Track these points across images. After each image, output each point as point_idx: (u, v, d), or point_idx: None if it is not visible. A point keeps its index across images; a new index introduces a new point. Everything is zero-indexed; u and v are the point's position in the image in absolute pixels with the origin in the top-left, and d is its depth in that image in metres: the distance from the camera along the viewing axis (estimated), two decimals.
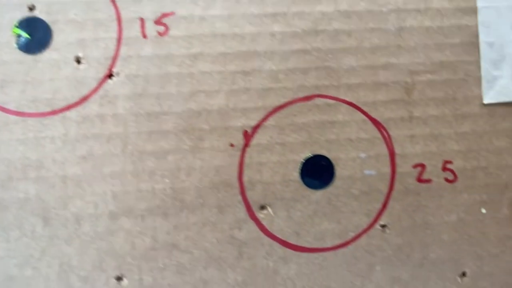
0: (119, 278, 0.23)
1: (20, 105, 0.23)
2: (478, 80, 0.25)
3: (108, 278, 0.23)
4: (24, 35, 0.22)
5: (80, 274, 0.23)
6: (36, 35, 0.22)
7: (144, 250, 0.23)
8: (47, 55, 0.23)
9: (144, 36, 0.23)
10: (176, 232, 0.23)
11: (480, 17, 0.25)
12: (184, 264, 0.23)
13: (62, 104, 0.23)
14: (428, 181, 0.25)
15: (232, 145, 0.24)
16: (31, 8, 0.22)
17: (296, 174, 0.24)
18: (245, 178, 0.24)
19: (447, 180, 0.25)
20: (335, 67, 0.24)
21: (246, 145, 0.24)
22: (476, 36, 0.25)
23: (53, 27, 0.23)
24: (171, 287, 0.23)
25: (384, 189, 0.25)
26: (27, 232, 0.22)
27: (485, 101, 0.25)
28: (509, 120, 0.26)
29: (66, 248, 0.23)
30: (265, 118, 0.24)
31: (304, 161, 0.24)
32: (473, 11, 0.25)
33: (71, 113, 0.23)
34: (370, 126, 0.25)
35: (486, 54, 0.25)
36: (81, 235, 0.23)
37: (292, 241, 0.24)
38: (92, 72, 0.23)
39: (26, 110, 0.23)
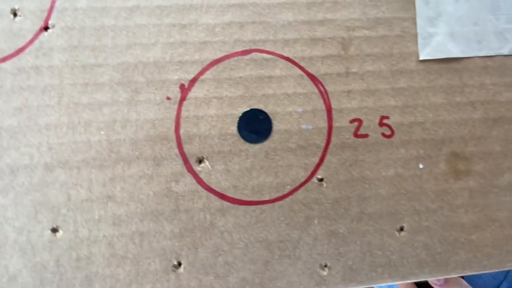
0: (54, 230, 0.23)
1: None
2: (414, 36, 0.26)
3: (43, 229, 0.23)
4: None
5: (15, 225, 0.23)
6: None
7: (80, 202, 0.24)
8: None
9: None
10: (112, 184, 0.24)
11: None
12: (120, 216, 0.24)
13: None
14: (365, 136, 0.26)
15: (168, 98, 0.24)
16: None
17: (233, 128, 0.25)
18: (182, 132, 0.24)
19: (384, 135, 0.26)
20: (272, 22, 0.25)
21: (182, 98, 0.24)
22: None
23: None
24: (107, 239, 0.24)
25: (321, 143, 0.25)
26: None
27: (421, 58, 0.26)
28: (446, 76, 0.27)
29: (1, 199, 0.23)
30: (202, 72, 0.25)
31: (241, 115, 0.25)
32: None
33: (7, 65, 0.23)
34: (307, 81, 0.25)
35: (422, 11, 0.26)
36: (16, 186, 0.23)
37: (230, 194, 0.25)
38: (27, 24, 0.24)
39: None
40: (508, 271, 0.46)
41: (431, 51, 0.26)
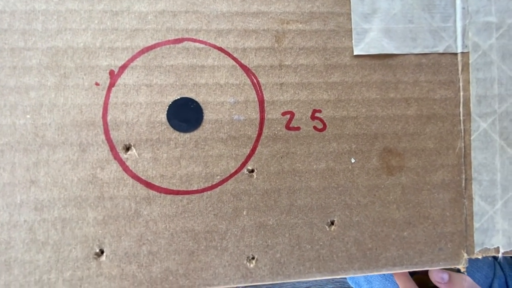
0: None
1: None
2: (349, 32, 0.30)
3: None
4: None
5: None
6: None
7: (1, 185, 0.26)
8: None
9: None
10: (35, 168, 0.27)
11: None
12: (42, 201, 0.27)
13: None
14: (297, 128, 0.29)
15: (97, 84, 0.28)
16: None
17: (163, 116, 0.28)
18: (110, 118, 0.28)
19: (316, 128, 0.29)
20: (205, 12, 0.29)
21: (111, 84, 0.28)
22: None
23: None
24: (28, 224, 0.26)
25: (253, 134, 0.29)
26: None
27: (355, 53, 0.30)
28: (380, 72, 0.30)
29: None
30: (132, 59, 0.28)
31: (171, 103, 0.28)
32: None
33: None
34: (240, 72, 0.29)
35: (356, 7, 0.30)
36: None
37: (156, 182, 0.28)
38: None
39: None
40: (495, 269, 0.49)
41: (365, 46, 0.30)
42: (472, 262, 0.49)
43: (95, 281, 0.26)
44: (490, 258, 0.50)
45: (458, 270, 0.32)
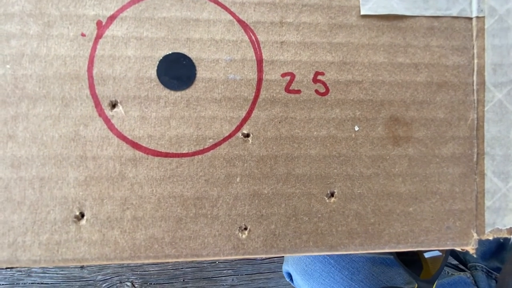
0: None
1: None
2: None
3: None
4: None
5: None
6: None
7: None
8: None
9: None
10: (14, 122, 0.29)
11: None
12: (20, 158, 0.29)
13: None
14: (297, 91, 0.32)
15: (83, 34, 0.30)
16: None
17: (152, 72, 0.30)
18: (95, 72, 0.30)
19: (318, 92, 0.32)
20: None
21: (99, 36, 0.30)
22: None
23: None
24: (3, 182, 0.28)
25: (249, 96, 0.31)
26: None
27: (363, 12, 0.32)
28: (388, 34, 0.33)
29: None
30: (122, 9, 0.30)
31: (162, 58, 0.30)
32: None
33: None
34: (237, 28, 0.31)
35: None
36: None
37: (144, 143, 0.30)
38: None
39: None
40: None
41: (373, 6, 0.32)
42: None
43: (73, 246, 0.28)
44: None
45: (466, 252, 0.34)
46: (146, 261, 0.27)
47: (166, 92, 0.28)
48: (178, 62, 0.28)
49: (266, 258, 1.14)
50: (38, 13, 0.27)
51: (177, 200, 0.28)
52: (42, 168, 0.27)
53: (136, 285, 1.08)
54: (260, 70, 0.29)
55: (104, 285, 1.07)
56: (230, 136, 0.29)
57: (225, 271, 1.11)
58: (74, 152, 0.27)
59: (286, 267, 0.65)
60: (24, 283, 1.06)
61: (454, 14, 0.31)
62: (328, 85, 0.30)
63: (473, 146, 0.31)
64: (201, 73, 0.28)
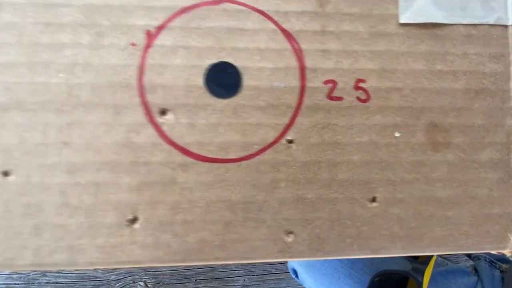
0: (5, 173, 0.30)
1: None
2: None
3: None
4: None
5: None
6: None
7: (34, 146, 0.31)
8: None
9: None
10: (69, 129, 0.31)
11: None
12: (75, 164, 0.31)
13: None
14: (339, 98, 0.34)
15: (133, 44, 0.32)
16: None
17: (200, 80, 0.32)
18: (146, 80, 0.32)
19: (359, 99, 0.34)
20: None
21: (148, 45, 0.32)
22: None
23: None
24: (60, 187, 0.31)
25: (293, 103, 0.33)
26: None
27: (401, 21, 0.34)
28: (427, 42, 0.35)
29: None
30: (170, 19, 0.32)
31: (209, 67, 0.33)
32: None
33: None
34: (281, 37, 0.33)
35: None
36: None
37: (193, 149, 0.32)
38: None
39: None
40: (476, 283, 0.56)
41: (412, 15, 0.34)
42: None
43: (128, 249, 0.30)
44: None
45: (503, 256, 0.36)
46: (197, 264, 0.29)
47: (213, 100, 0.30)
48: (225, 70, 0.30)
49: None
50: (89, 23, 0.29)
51: (226, 204, 0.30)
52: (96, 174, 0.29)
53: (149, 285, 1.10)
54: (303, 77, 0.31)
55: (118, 285, 1.09)
56: (274, 142, 0.30)
57: (236, 272, 1.12)
58: (126, 158, 0.29)
59: (291, 263, 0.68)
60: (39, 283, 1.08)
61: (491, 22, 0.33)
62: (369, 92, 0.31)
63: (510, 152, 0.32)
64: (246, 81, 0.30)
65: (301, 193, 0.30)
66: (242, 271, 1.14)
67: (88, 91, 0.29)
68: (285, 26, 0.31)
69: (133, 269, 1.12)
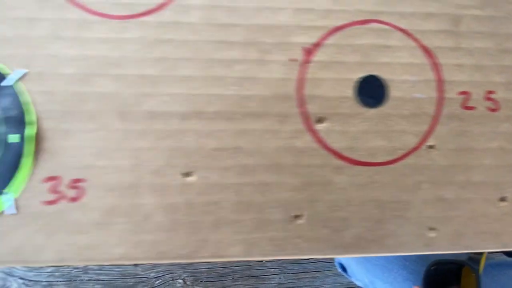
0: (187, 175, 0.35)
1: (102, 6, 0.35)
2: None
3: (176, 173, 0.35)
4: None
5: (151, 168, 0.35)
6: None
7: (211, 151, 0.35)
8: None
9: None
10: (240, 136, 0.36)
11: None
12: (246, 166, 0.36)
13: (142, 9, 0.36)
14: (472, 108, 0.38)
15: (293, 59, 0.37)
16: None
17: (351, 92, 0.37)
18: (304, 92, 0.37)
19: (489, 109, 0.39)
20: None
21: (306, 61, 0.37)
22: None
23: None
24: (234, 187, 0.35)
25: (432, 112, 0.38)
26: (104, 125, 0.35)
27: None
28: None
29: (139, 142, 0.35)
30: (324, 37, 0.37)
31: (359, 80, 0.38)
32: None
33: (149, 18, 0.36)
34: (420, 52, 0.38)
35: None
36: (153, 131, 0.35)
37: (346, 153, 0.37)
38: None
39: (108, 12, 0.36)
40: None
41: None
42: None
43: (294, 242, 0.34)
44: None
45: None
46: (354, 255, 0.34)
47: (363, 109, 0.35)
48: (372, 83, 0.35)
49: (312, 258, 1.19)
50: (256, 41, 0.34)
51: (376, 204, 0.35)
52: (265, 175, 0.34)
53: (187, 282, 1.13)
54: (440, 89, 0.36)
55: (157, 282, 1.11)
56: (416, 147, 0.35)
57: (272, 270, 1.15)
58: (289, 161, 0.34)
59: (339, 259, 0.70)
60: (81, 280, 1.11)
61: None
62: (498, 102, 0.36)
63: None
64: (392, 92, 0.35)
65: (441, 194, 0.35)
66: (277, 269, 1.17)
67: (256, 102, 0.34)
68: (424, 43, 0.35)
69: (172, 266, 1.15)
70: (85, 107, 0.32)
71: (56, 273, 1.11)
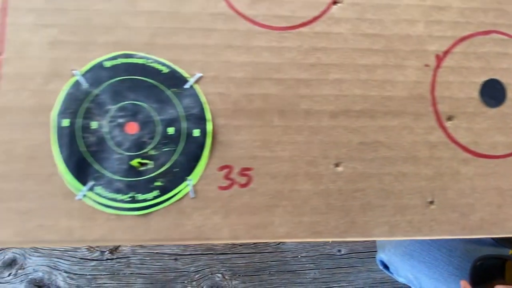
0: (337, 165, 0.41)
1: (266, 19, 0.41)
2: None
3: (328, 164, 0.41)
4: None
5: (307, 159, 0.41)
6: None
7: (356, 144, 0.41)
8: None
9: None
10: (381, 131, 0.42)
11: None
12: (387, 158, 0.42)
13: (299, 21, 0.42)
14: None
15: (427, 65, 0.43)
16: None
17: (476, 94, 0.43)
18: (436, 93, 0.43)
19: None
20: (509, 10, 0.44)
21: (437, 66, 0.43)
22: None
23: None
24: (377, 176, 0.41)
25: None
26: (267, 122, 0.41)
27: None
28: None
29: (296, 137, 0.41)
30: (453, 46, 0.43)
31: (482, 83, 0.43)
32: None
33: (305, 29, 0.41)
34: None
35: None
36: (308, 127, 0.41)
37: (471, 147, 0.43)
38: None
39: (271, 24, 0.42)
40: None
41: None
42: None
43: (429, 224, 0.40)
44: None
45: None
46: (479, 236, 0.40)
47: (485, 108, 0.41)
48: (494, 86, 0.41)
49: (345, 254, 1.24)
50: (395, 49, 0.40)
51: (497, 191, 0.40)
52: (403, 165, 0.40)
53: (226, 277, 1.16)
54: None
55: (197, 276, 1.15)
56: None
57: (307, 265, 1.19)
58: (424, 154, 0.40)
59: (381, 256, 0.73)
60: (124, 273, 1.14)
61: None
62: None
63: None
64: (510, 94, 0.41)
65: None
66: (312, 265, 1.20)
67: (394, 102, 0.39)
68: None
69: (211, 261, 1.18)
70: (252, 106, 0.37)
71: (100, 267, 1.15)
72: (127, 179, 0.35)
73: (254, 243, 1.21)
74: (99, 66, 0.35)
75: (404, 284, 0.73)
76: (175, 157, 0.36)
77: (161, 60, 0.36)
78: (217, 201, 0.36)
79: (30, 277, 1.14)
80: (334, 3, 0.38)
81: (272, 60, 0.37)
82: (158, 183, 0.35)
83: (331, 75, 0.38)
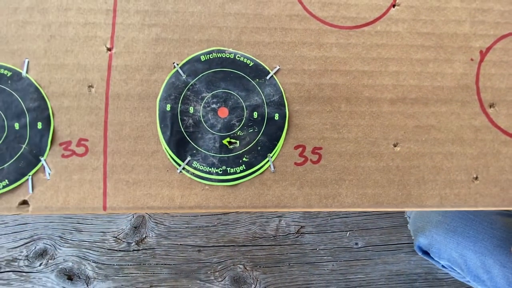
0: (395, 145, 0.49)
1: (335, 19, 0.49)
2: None
3: (388, 144, 0.48)
4: None
5: (369, 139, 0.48)
6: None
7: (412, 128, 0.49)
8: None
9: None
10: (433, 116, 0.49)
11: None
12: (438, 140, 0.48)
13: (362, 21, 0.49)
14: None
15: (472, 59, 0.50)
16: None
17: None
18: (480, 84, 0.50)
19: None
20: None
21: (481, 60, 0.50)
22: None
23: None
24: (428, 155, 0.48)
25: None
26: (335, 107, 0.48)
27: None
28: None
29: (360, 121, 0.48)
30: (494, 43, 0.50)
31: None
32: None
33: (368, 28, 0.49)
34: None
35: None
36: (371, 113, 0.49)
37: (511, 131, 0.50)
38: (377, 1, 0.49)
39: (339, 23, 0.49)
40: None
41: None
42: None
43: (474, 197, 0.47)
44: None
45: None
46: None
47: None
48: None
49: (362, 247, 1.28)
50: (444, 45, 0.47)
51: None
52: (451, 146, 0.46)
53: (247, 267, 1.18)
54: None
55: (219, 267, 1.17)
56: None
57: (325, 257, 1.20)
58: (469, 136, 0.47)
59: (420, 240, 0.75)
60: (149, 264, 1.16)
61: None
62: None
63: None
64: None
65: None
66: (330, 257, 1.25)
67: (444, 91, 0.46)
68: None
69: (233, 253, 1.23)
70: (322, 94, 0.45)
71: (127, 257, 1.20)
72: (219, 155, 0.42)
73: (274, 236, 1.25)
74: (196, 59, 0.43)
75: (436, 271, 0.75)
76: (258, 137, 0.43)
77: (247, 55, 0.43)
78: (293, 175, 0.43)
79: (60, 267, 1.19)
80: (393, 6, 0.45)
81: (339, 55, 0.44)
82: (244, 159, 0.42)
83: (390, 68, 0.45)
